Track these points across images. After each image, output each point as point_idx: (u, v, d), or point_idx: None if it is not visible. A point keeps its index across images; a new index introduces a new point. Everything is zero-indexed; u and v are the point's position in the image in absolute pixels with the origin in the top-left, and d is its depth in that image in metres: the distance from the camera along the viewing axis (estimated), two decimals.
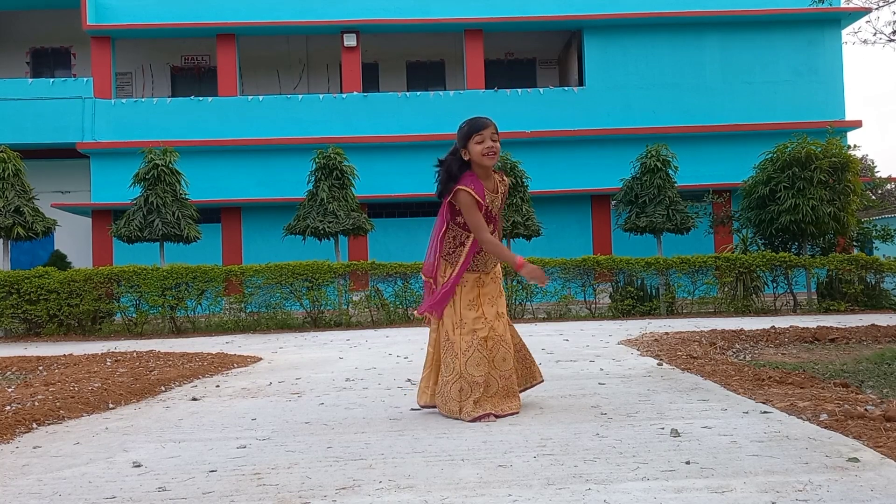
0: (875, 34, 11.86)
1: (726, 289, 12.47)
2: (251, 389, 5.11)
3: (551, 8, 20.33)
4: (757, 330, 8.01)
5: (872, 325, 8.18)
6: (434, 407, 3.90)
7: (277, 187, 19.25)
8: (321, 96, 20.36)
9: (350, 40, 20.34)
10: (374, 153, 19.34)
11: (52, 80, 20.21)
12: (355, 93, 20.30)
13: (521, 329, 9.14)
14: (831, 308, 12.19)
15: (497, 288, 3.93)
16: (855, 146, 15.55)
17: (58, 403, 4.34)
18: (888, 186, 28.78)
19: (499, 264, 3.98)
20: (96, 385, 5.02)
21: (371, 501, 2.43)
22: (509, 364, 3.82)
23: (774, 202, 13.63)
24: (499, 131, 3.81)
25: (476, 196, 3.72)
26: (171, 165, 14.16)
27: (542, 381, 4.17)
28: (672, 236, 15.60)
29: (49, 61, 22.49)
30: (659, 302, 12.38)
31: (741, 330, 8.08)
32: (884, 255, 13.60)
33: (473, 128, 3.73)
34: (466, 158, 3.76)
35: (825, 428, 3.21)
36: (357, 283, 12.67)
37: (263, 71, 22.26)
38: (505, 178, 3.98)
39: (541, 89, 20.70)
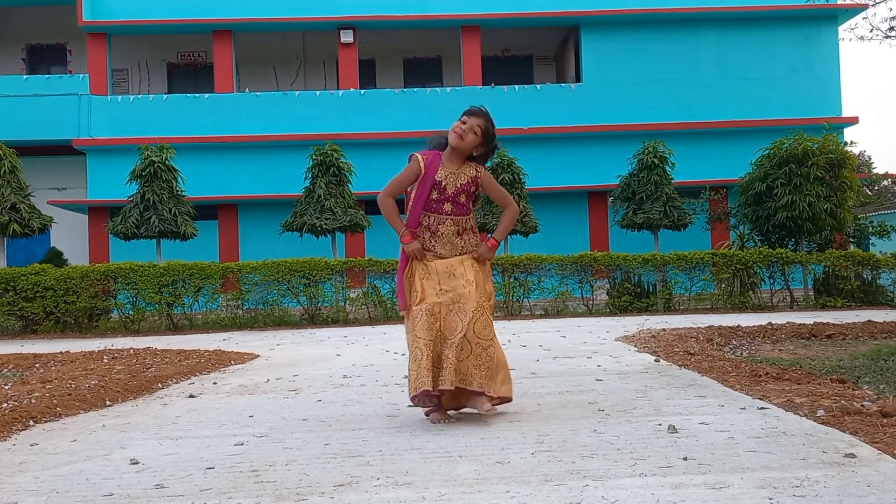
0: (872, 31, 11.83)
1: (723, 285, 12.49)
2: (248, 386, 5.11)
3: (548, 4, 20.27)
4: (754, 326, 8.02)
5: (869, 321, 8.21)
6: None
7: (274, 184, 19.20)
8: (318, 93, 20.31)
9: (347, 37, 20.28)
10: (371, 150, 19.28)
11: (47, 76, 20.12)
12: (352, 89, 20.25)
13: (518, 326, 9.18)
14: (828, 304, 12.21)
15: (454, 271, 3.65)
16: (852, 142, 15.56)
17: (55, 401, 4.33)
18: (885, 182, 28.83)
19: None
20: (93, 382, 5.01)
21: (369, 498, 2.43)
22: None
23: (771, 198, 13.65)
24: (492, 128, 3.71)
25: (421, 162, 3.71)
26: (167, 162, 14.13)
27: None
28: (669, 233, 15.61)
29: (45, 58, 22.37)
30: (656, 298, 12.39)
31: (738, 326, 8.09)
32: (880, 252, 13.63)
33: (465, 111, 3.75)
34: None
35: (822, 424, 3.21)
36: (354, 279, 12.66)
37: (260, 67, 22.19)
38: (480, 169, 3.80)
39: (538, 86, 20.67)
